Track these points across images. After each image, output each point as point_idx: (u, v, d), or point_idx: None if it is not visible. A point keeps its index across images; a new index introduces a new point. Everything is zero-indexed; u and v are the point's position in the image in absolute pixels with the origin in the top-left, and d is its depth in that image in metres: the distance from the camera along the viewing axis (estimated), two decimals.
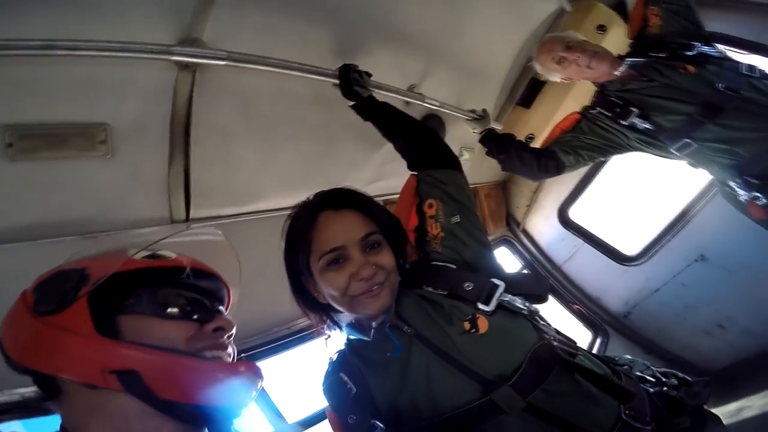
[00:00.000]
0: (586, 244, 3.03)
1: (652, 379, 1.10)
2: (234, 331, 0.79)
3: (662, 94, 1.79)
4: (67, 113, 1.35)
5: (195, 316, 0.75)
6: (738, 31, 2.23)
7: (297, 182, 2.06)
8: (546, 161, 1.97)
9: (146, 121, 1.50)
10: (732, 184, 1.75)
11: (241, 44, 1.48)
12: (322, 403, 1.99)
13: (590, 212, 3.07)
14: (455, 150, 2.68)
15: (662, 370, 1.14)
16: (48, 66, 1.23)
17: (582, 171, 2.84)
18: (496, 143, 2.12)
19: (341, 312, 1.07)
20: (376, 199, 2.43)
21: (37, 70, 1.23)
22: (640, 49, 1.93)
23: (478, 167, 3.01)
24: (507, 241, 3.41)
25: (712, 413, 1.05)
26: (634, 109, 1.83)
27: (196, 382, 0.68)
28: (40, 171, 1.38)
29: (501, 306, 0.98)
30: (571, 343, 1.04)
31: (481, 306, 0.97)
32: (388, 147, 2.19)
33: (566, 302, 3.15)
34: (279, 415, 1.93)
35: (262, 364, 2.03)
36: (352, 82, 1.65)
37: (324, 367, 1.11)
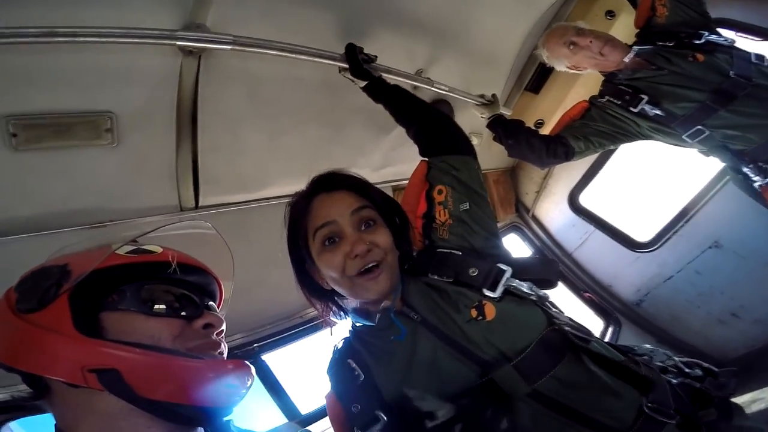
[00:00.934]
0: (597, 231, 2.98)
1: (675, 370, 1.06)
2: (224, 327, 0.77)
3: (672, 81, 1.80)
4: (71, 102, 1.33)
5: (182, 313, 0.73)
6: (748, 18, 2.20)
7: (305, 168, 1.99)
8: (555, 147, 1.95)
9: (152, 109, 1.48)
10: (745, 170, 1.76)
11: (246, 29, 1.44)
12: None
13: (601, 198, 3.02)
14: None
15: (685, 360, 1.10)
16: (50, 54, 1.21)
17: (592, 157, 2.78)
18: (504, 128, 2.10)
19: (346, 298, 1.07)
20: (385, 184, 2.46)
21: (39, 59, 1.21)
22: (647, 38, 1.93)
23: (486, 153, 2.96)
24: (516, 227, 3.36)
25: (737, 405, 1.01)
26: (644, 96, 1.84)
27: (181, 381, 0.65)
28: (46, 161, 1.37)
29: (509, 292, 0.96)
30: (585, 330, 1.00)
31: (487, 292, 0.95)
32: (397, 132, 2.19)
33: (577, 290, 3.11)
34: (291, 404, 1.94)
35: (274, 355, 2.06)
36: (360, 61, 1.61)
37: (329, 354, 1.10)
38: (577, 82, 2.57)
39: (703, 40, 1.79)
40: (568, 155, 1.95)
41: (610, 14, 2.46)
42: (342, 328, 1.15)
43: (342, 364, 1.04)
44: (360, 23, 1.78)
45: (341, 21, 1.72)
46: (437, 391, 0.91)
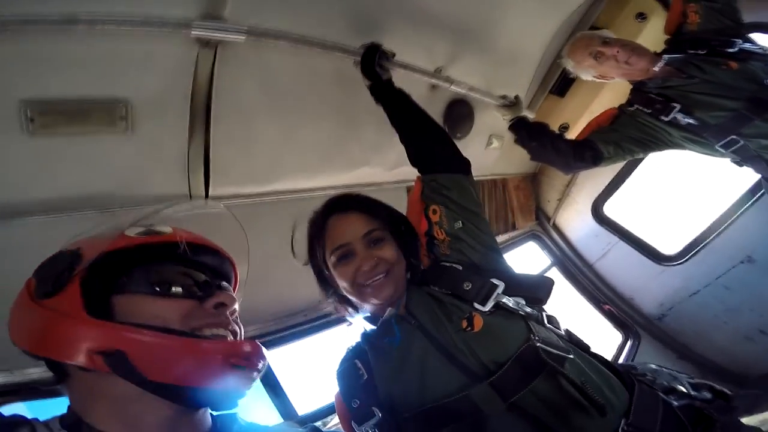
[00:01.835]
0: (621, 242, 2.90)
1: (681, 391, 1.06)
2: (237, 306, 0.76)
3: (704, 90, 1.76)
4: (87, 89, 1.34)
5: (193, 293, 0.72)
6: None
7: (318, 163, 2.03)
8: (583, 150, 1.91)
9: (167, 98, 1.49)
10: None
11: (264, 20, 1.44)
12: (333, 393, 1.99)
13: (626, 208, 2.94)
14: (484, 138, 2.61)
15: (694, 381, 1.09)
16: (70, 41, 1.22)
17: (618, 165, 2.69)
18: (527, 131, 2.07)
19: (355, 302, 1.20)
20: (398, 184, 2.41)
21: (58, 46, 1.22)
22: (677, 46, 1.89)
23: (507, 157, 2.89)
24: (536, 236, 3.28)
25: (754, 428, 0.98)
26: (676, 105, 1.79)
27: (186, 362, 0.64)
28: (61, 146, 1.38)
29: (499, 306, 1.03)
30: (565, 348, 0.99)
31: (477, 306, 1.02)
32: None
33: (597, 302, 3.02)
34: (288, 405, 1.92)
35: (277, 352, 2.04)
36: (375, 62, 1.60)
37: (341, 354, 1.20)
38: (605, 86, 2.51)
39: (736, 48, 1.75)
40: (596, 160, 1.90)
41: (641, 16, 2.39)
42: (353, 330, 1.28)
43: (350, 364, 1.14)
44: (379, 17, 1.75)
45: (359, 13, 1.69)
46: (419, 391, 0.98)
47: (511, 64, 2.40)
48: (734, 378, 2.46)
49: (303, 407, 1.97)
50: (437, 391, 0.96)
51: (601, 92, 2.56)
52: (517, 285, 1.07)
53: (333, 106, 1.91)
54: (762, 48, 1.78)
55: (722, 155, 1.81)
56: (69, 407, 0.67)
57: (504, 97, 2.21)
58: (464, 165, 1.36)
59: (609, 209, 2.95)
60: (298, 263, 1.94)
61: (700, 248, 2.55)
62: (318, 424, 1.92)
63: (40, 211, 1.42)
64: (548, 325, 1.06)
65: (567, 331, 1.11)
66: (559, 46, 2.46)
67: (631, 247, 2.86)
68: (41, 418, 0.65)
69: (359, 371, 1.10)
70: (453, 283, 1.09)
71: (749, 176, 2.11)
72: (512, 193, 3.07)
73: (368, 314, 1.22)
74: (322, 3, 1.59)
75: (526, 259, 3.28)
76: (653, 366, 1.16)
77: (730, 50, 1.76)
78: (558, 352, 0.95)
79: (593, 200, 2.97)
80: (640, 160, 2.65)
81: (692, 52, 1.82)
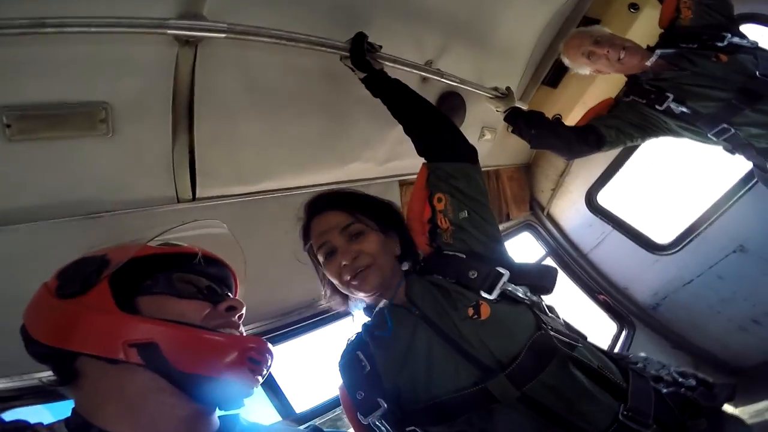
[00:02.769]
0: (615, 231, 2.91)
1: (669, 380, 1.08)
2: (244, 311, 0.83)
3: (696, 82, 1.83)
4: (64, 92, 1.31)
5: (209, 296, 0.80)
6: None
7: (307, 160, 2.00)
8: (586, 134, 1.95)
9: (147, 99, 1.45)
10: None
11: (244, 17, 1.39)
12: (332, 390, 2.00)
13: (620, 198, 2.94)
14: (476, 130, 2.58)
15: (680, 370, 1.12)
16: (43, 45, 1.18)
17: (612, 154, 2.69)
18: (525, 119, 2.07)
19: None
20: (391, 179, 2.39)
21: (31, 50, 1.18)
22: (670, 40, 1.95)
23: (500, 148, 2.87)
24: (530, 226, 3.27)
25: (733, 415, 1.03)
26: (669, 95, 1.86)
27: (212, 354, 0.71)
28: (40, 152, 1.35)
29: (504, 295, 1.03)
30: (573, 335, 1.03)
31: (483, 294, 1.03)
32: None
33: (591, 291, 3.03)
34: (286, 403, 1.92)
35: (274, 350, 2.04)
36: (365, 52, 1.56)
37: (341, 347, 1.21)
38: (597, 77, 2.46)
39: (725, 42, 1.82)
40: (600, 143, 1.94)
41: (634, 7, 2.39)
42: (353, 324, 1.29)
43: (351, 355, 1.14)
44: (364, 11, 1.71)
45: (345, 8, 1.65)
46: (426, 383, 0.99)
47: (503, 56, 2.37)
48: (729, 368, 2.48)
49: (301, 405, 1.98)
50: (448, 384, 0.96)
51: (594, 82, 2.54)
52: (523, 274, 1.07)
53: (320, 103, 1.88)
54: (750, 41, 1.86)
55: (715, 143, 1.88)
56: (74, 410, 0.69)
57: (495, 88, 2.19)
58: (471, 153, 1.34)
59: (603, 198, 2.95)
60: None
61: (694, 237, 2.56)
62: (316, 420, 1.94)
63: (23, 219, 1.39)
64: (550, 315, 1.08)
65: (564, 321, 1.13)
66: (552, 36, 2.45)
67: (625, 237, 2.86)
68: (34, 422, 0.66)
69: (362, 363, 1.10)
70: (458, 272, 1.09)
71: (742, 165, 2.11)
72: (506, 183, 3.05)
73: (365, 305, 1.23)
74: None
75: (520, 249, 3.29)
76: (643, 354, 1.18)
77: (720, 44, 1.83)
78: (568, 340, 0.99)
79: (587, 190, 2.97)
80: (634, 149, 2.66)
81: (684, 45, 1.89)
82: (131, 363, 0.66)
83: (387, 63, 1.68)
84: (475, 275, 1.06)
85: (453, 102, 2.27)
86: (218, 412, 0.79)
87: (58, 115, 1.32)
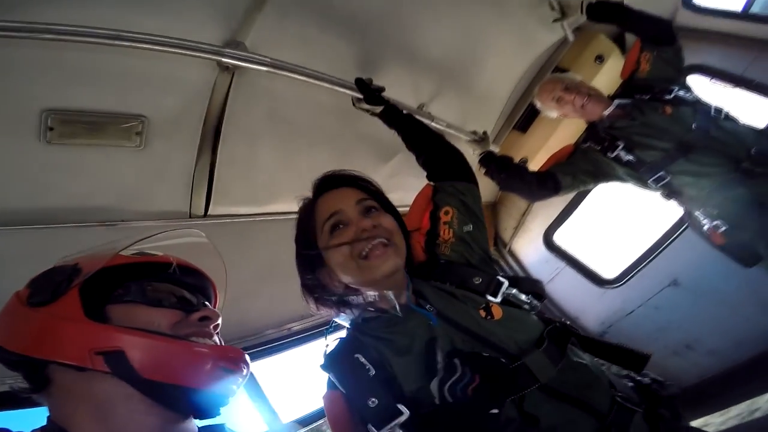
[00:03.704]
0: (568, 267, 3.15)
1: (628, 374, 1.17)
2: (219, 321, 0.81)
3: (643, 132, 1.99)
4: (109, 102, 1.39)
5: (180, 306, 0.78)
6: (724, 64, 2.46)
7: (310, 188, 2.12)
8: (546, 180, 2.11)
9: (182, 117, 1.56)
10: (697, 214, 1.95)
11: (279, 52, 1.55)
12: (316, 402, 2.03)
13: (574, 237, 3.21)
14: None
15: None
16: (100, 55, 1.27)
17: (568, 197, 2.99)
18: (496, 164, 2.23)
19: (356, 298, 1.06)
20: None
21: (89, 58, 1.27)
22: (627, 90, 2.13)
23: None
24: (493, 260, 3.50)
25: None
26: (620, 143, 2.03)
27: (179, 362, 0.70)
28: (74, 156, 1.41)
29: (506, 300, 1.04)
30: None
31: (490, 298, 1.03)
32: (395, 161, 2.32)
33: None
34: (274, 414, 1.94)
35: (262, 363, 2.05)
36: (373, 90, 1.72)
37: (328, 352, 1.04)
38: (561, 125, 2.79)
39: (672, 95, 1.99)
40: (557, 189, 2.10)
41: (599, 59, 2.69)
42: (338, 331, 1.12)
43: (347, 360, 1.01)
44: (377, 56, 1.92)
45: (361, 52, 1.86)
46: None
47: (483, 101, 2.65)
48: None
49: (287, 416, 2.00)
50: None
51: (558, 129, 2.85)
52: (517, 283, 1.09)
53: (328, 135, 2.04)
54: (693, 95, 2.00)
55: (654, 189, 2.06)
56: (49, 418, 0.68)
57: (474, 132, 2.41)
58: (474, 176, 1.44)
59: (558, 237, 3.22)
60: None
61: (635, 273, 2.85)
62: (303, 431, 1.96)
63: (42, 221, 1.41)
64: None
65: None
66: (526, 84, 2.74)
67: (576, 272, 3.12)
68: (15, 430, 0.68)
69: (364, 367, 0.98)
70: (462, 277, 1.09)
71: (676, 210, 2.38)
72: None
73: (369, 303, 1.07)
74: (331, 40, 1.74)
75: None
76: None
77: (668, 96, 1.98)
78: (573, 331, 1.03)
79: (545, 229, 3.24)
80: (588, 192, 2.95)
81: (638, 96, 2.07)
82: (99, 371, 0.65)
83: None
84: (480, 281, 1.07)
85: None
86: (203, 422, 0.78)
87: (99, 123, 1.40)
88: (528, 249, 3.37)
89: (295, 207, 2.04)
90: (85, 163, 1.44)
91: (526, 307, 1.07)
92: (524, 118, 2.90)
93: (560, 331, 1.01)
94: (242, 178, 1.83)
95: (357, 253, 0.99)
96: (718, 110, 1.95)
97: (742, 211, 1.83)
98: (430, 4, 1.94)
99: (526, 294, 1.08)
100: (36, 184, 1.38)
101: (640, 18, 2.08)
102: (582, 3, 2.18)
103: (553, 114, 2.25)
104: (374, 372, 0.96)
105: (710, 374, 2.61)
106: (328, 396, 1.01)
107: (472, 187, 1.36)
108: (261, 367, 2.10)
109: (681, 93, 1.99)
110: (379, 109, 1.72)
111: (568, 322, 1.06)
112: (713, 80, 2.40)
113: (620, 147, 2.03)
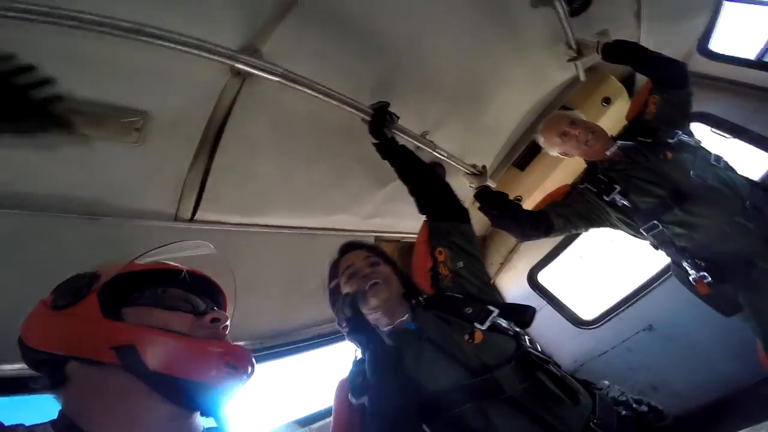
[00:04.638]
0: (548, 306, 3.18)
1: (627, 403, 1.24)
2: (228, 323, 0.88)
3: (642, 176, 1.95)
4: (114, 95, 1.33)
5: (193, 309, 0.85)
6: (727, 113, 2.48)
7: (304, 204, 2.08)
8: (538, 221, 2.07)
9: (185, 118, 1.50)
10: (684, 264, 1.92)
11: (292, 64, 1.50)
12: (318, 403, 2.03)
13: (558, 277, 3.24)
14: None
15: (636, 397, 1.27)
16: (113, 47, 1.21)
17: (556, 240, 3.02)
18: (491, 200, 2.20)
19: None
20: (371, 234, 2.51)
21: (99, 48, 1.21)
22: (631, 132, 2.10)
23: None
24: None
25: None
26: (617, 186, 2.00)
27: (187, 356, 0.76)
28: (68, 145, 1.30)
29: (494, 327, 1.19)
30: (546, 357, 1.19)
31: (477, 325, 1.19)
32: (391, 188, 2.29)
33: None
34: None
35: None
36: (384, 123, 1.73)
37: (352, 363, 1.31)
38: (559, 165, 2.79)
39: (675, 139, 1.95)
40: (549, 230, 2.06)
41: (606, 101, 2.70)
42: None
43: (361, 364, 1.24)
44: (389, 78, 1.90)
45: (374, 73, 1.84)
46: (427, 384, 1.11)
47: (486, 134, 2.63)
48: None
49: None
50: (450, 380, 1.09)
51: (556, 170, 2.86)
52: (508, 311, 1.25)
53: (327, 153, 1.99)
54: (694, 140, 1.96)
55: (644, 238, 2.03)
56: (61, 412, 0.72)
57: (474, 165, 2.37)
58: (465, 214, 1.60)
59: (543, 277, 3.24)
60: None
61: (613, 316, 2.90)
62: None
63: (24, 206, 1.34)
64: (529, 344, 1.24)
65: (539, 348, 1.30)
66: (530, 121, 2.74)
67: (555, 311, 3.14)
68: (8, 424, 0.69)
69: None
70: (456, 308, 1.27)
71: (662, 259, 2.39)
72: None
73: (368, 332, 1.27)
74: (347, 59, 1.72)
75: None
76: (606, 382, 1.33)
77: (670, 140, 1.93)
78: (543, 356, 1.16)
79: (530, 268, 3.26)
80: (577, 236, 2.96)
81: (641, 139, 2.00)
82: (111, 365, 0.72)
83: (396, 132, 1.83)
84: (470, 311, 1.23)
85: (436, 170, 2.47)
86: (207, 425, 0.82)
87: (99, 115, 1.33)
88: (511, 286, 3.39)
89: (285, 221, 2.04)
90: (80, 154, 1.35)
91: (510, 333, 1.20)
92: (524, 155, 2.91)
93: (526, 356, 1.12)
94: (235, 187, 1.76)
95: (360, 288, 1.32)
96: (718, 158, 1.93)
97: (732, 266, 1.81)
98: (452, 34, 1.94)
99: (508, 322, 1.23)
100: (25, 165, 1.30)
101: (656, 59, 2.06)
102: (598, 43, 2.19)
103: (555, 151, 2.23)
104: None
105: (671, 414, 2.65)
106: (342, 400, 1.24)
107: (460, 226, 1.56)
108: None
109: (684, 138, 1.97)
110: (374, 141, 1.76)
111: (530, 350, 1.15)
112: (713, 130, 2.41)
113: (617, 191, 2.00)
